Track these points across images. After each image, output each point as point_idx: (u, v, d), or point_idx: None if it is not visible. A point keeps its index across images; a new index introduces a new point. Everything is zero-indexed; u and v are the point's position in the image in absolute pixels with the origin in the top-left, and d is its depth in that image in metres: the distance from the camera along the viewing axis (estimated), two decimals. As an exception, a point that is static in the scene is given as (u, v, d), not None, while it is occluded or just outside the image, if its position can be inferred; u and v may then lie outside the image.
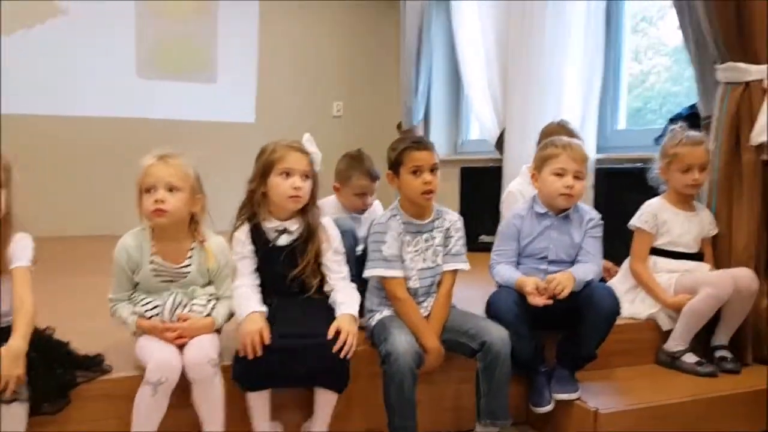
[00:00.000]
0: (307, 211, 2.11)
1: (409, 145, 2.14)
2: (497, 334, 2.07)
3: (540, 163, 2.42)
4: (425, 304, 2.20)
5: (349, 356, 1.90)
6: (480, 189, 4.53)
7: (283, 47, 5.87)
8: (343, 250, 2.18)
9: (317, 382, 1.97)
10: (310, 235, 2.10)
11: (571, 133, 2.92)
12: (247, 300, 1.98)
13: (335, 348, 1.88)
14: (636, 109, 4.14)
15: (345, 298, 2.05)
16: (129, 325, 1.92)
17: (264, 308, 1.96)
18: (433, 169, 2.13)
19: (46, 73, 5.11)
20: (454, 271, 2.23)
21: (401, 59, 5.59)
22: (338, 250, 2.16)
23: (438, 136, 5.64)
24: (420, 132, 5.53)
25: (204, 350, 1.84)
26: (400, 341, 1.97)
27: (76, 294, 2.28)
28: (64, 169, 5.12)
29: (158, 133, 5.11)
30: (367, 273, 2.15)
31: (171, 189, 1.90)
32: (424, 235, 2.20)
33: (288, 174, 2.05)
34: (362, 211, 2.71)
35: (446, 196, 5.34)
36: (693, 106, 3.02)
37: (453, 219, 2.26)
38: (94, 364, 1.89)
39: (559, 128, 2.99)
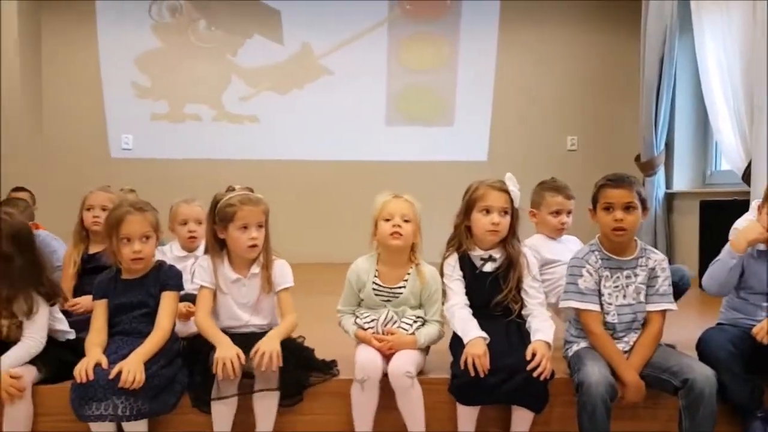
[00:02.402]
0: (507, 242, 2.31)
1: (605, 182, 2.23)
2: (701, 372, 2.04)
3: (765, 198, 2.30)
4: (626, 338, 2.22)
5: (542, 378, 2.04)
6: (723, 224, 4.20)
7: (518, 86, 6.11)
8: (540, 278, 2.32)
9: (518, 401, 2.14)
10: (512, 263, 2.30)
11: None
12: (469, 322, 2.21)
13: (529, 367, 2.04)
14: None
15: (540, 325, 2.20)
16: (350, 334, 2.30)
17: (485, 334, 2.16)
18: (627, 207, 2.17)
19: (312, 124, 6.00)
20: (663, 312, 2.22)
21: (641, 90, 5.44)
22: (536, 277, 2.32)
23: (681, 168, 5.38)
24: (660, 163, 5.32)
25: (403, 364, 2.13)
26: (593, 372, 2.04)
27: (317, 309, 2.75)
28: (320, 205, 5.94)
29: (400, 174, 5.68)
30: (562, 304, 2.26)
31: (406, 220, 2.27)
32: (625, 272, 2.23)
33: (488, 211, 2.27)
34: (560, 231, 2.75)
35: (685, 231, 5.07)
36: None
37: (659, 258, 2.25)
38: (328, 368, 2.30)
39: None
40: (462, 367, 2.07)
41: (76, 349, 2.21)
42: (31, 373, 2.12)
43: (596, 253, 2.25)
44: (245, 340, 2.17)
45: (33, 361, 2.14)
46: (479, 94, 6.11)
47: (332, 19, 5.91)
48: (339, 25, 5.94)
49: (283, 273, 2.29)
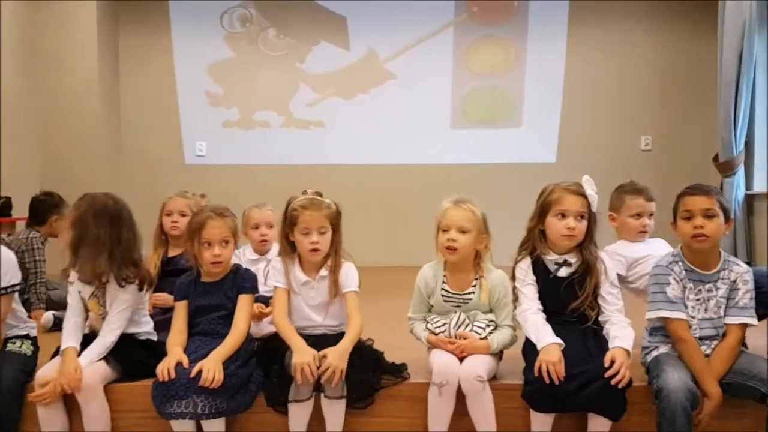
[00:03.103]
0: (584, 247, 2.25)
1: (683, 191, 2.16)
2: (792, 379, 1.94)
3: None
4: (703, 347, 2.15)
5: (621, 386, 1.99)
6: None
7: (588, 85, 5.97)
8: (618, 283, 2.26)
9: (594, 409, 2.08)
10: (588, 269, 2.24)
11: None
12: (543, 328, 2.17)
13: (607, 374, 1.99)
14: None
15: (619, 332, 2.14)
16: (422, 340, 2.30)
17: (560, 340, 2.12)
18: (708, 214, 2.10)
19: (377, 128, 6.04)
20: (742, 326, 2.13)
21: (719, 88, 5.22)
22: (614, 283, 2.25)
23: (762, 168, 5.16)
24: (740, 163, 5.09)
25: (474, 368, 2.12)
26: (673, 378, 1.98)
27: (385, 312, 2.76)
28: (386, 209, 5.95)
29: (465, 177, 5.63)
30: (651, 314, 2.18)
31: (462, 231, 2.24)
32: (707, 285, 2.16)
33: (563, 215, 2.22)
34: (642, 235, 2.65)
35: (766, 233, 4.84)
36: None
37: (741, 271, 2.16)
38: (398, 371, 2.31)
39: None
40: (536, 373, 2.04)
41: (150, 349, 2.30)
42: (100, 372, 2.19)
43: (679, 263, 2.18)
44: (317, 341, 2.21)
45: (106, 359, 2.21)
46: (548, 94, 6.00)
47: (397, 24, 5.94)
48: (404, 30, 5.96)
49: (348, 276, 2.31)
